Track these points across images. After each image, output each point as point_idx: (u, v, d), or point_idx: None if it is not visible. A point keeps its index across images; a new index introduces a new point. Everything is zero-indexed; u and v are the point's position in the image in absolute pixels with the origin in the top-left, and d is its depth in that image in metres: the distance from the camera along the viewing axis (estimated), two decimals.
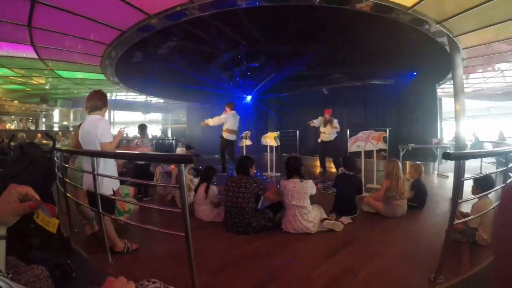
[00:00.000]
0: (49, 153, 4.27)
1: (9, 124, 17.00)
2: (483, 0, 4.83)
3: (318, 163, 10.10)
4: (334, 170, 9.20)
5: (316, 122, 9.16)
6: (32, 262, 1.68)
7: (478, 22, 5.66)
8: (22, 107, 17.99)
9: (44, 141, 11.00)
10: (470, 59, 7.83)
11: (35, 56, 7.85)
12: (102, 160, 3.05)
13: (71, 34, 6.39)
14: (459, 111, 6.21)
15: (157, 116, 26.75)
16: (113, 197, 3.17)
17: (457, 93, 6.28)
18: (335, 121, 8.90)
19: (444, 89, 12.41)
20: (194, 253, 2.33)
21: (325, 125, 8.94)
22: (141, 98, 18.02)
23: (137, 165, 6.46)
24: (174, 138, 17.53)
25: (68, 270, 2.64)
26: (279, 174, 8.75)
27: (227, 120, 8.46)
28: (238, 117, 8.82)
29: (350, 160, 4.87)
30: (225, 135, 8.52)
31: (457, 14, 5.34)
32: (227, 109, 8.60)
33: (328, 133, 8.86)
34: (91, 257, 3.20)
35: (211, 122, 8.64)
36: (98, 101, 3.17)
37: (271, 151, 9.29)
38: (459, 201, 2.74)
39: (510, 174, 3.73)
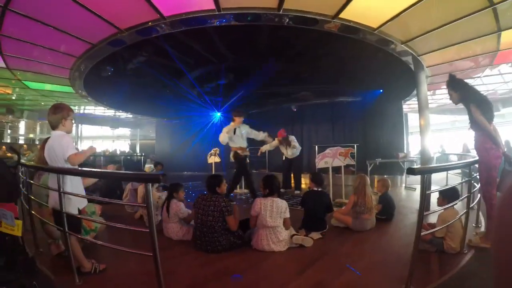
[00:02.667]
0: (14, 168, 4.11)
1: None
2: (444, 22, 5.14)
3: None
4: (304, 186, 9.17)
5: (267, 147, 8.59)
6: None
7: (440, 42, 5.98)
8: None
9: (9, 154, 10.56)
10: (434, 76, 8.20)
11: (3, 65, 7.59)
12: (68, 178, 2.97)
13: (41, 44, 6.24)
14: (424, 126, 6.47)
15: (126, 131, 26.21)
16: (79, 216, 3.08)
17: (422, 108, 6.54)
18: (291, 138, 8.46)
19: (410, 105, 12.91)
20: (163, 272, 2.32)
21: (284, 146, 8.43)
22: (109, 112, 17.67)
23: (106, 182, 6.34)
24: (143, 154, 17.30)
25: None
26: (247, 191, 8.75)
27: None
28: None
29: (318, 177, 4.95)
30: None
31: (421, 35, 5.64)
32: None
33: (290, 154, 8.46)
34: (57, 278, 3.07)
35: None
36: (51, 117, 3.05)
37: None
38: (426, 213, 2.85)
39: (474, 184, 3.91)
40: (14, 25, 5.33)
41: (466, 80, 4.13)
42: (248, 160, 6.89)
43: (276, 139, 8.33)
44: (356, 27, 5.34)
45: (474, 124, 3.73)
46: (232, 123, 6.70)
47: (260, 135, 7.12)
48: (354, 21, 5.22)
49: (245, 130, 6.89)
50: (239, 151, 6.76)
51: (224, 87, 10.89)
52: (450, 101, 4.22)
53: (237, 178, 7.18)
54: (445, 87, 9.98)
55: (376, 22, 5.26)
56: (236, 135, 6.74)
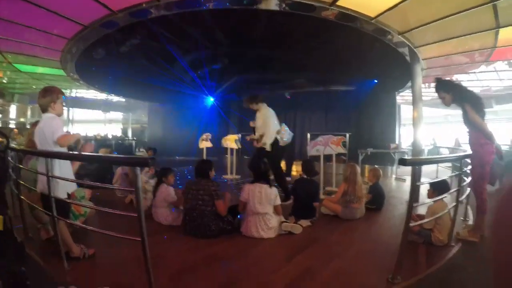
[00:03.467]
0: (2, 152, 4.03)
1: None
2: (443, 15, 5.11)
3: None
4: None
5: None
6: None
7: (438, 35, 5.96)
8: None
9: (0, 139, 10.42)
10: (430, 69, 8.20)
11: None
12: (56, 161, 2.93)
13: (33, 26, 6.12)
14: (416, 118, 6.49)
15: (118, 115, 25.94)
16: (68, 201, 3.05)
17: (416, 101, 6.55)
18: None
19: (404, 97, 12.94)
20: (152, 257, 2.30)
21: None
22: (101, 96, 17.48)
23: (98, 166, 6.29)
24: (134, 138, 17.16)
25: (22, 278, 2.51)
26: (239, 176, 8.74)
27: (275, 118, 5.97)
28: None
29: (308, 164, 4.96)
30: (278, 137, 5.97)
31: (419, 27, 5.61)
32: (259, 104, 5.96)
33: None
34: (46, 263, 3.04)
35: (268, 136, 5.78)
36: (41, 100, 3.02)
37: (232, 154, 9.28)
38: (415, 204, 2.87)
39: (464, 178, 3.94)
40: (4, 6, 5.22)
41: (461, 76, 4.13)
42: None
43: None
44: (353, 16, 5.29)
45: (468, 122, 3.73)
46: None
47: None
48: (352, 9, 5.17)
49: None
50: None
51: (218, 72, 10.80)
52: None
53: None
54: None
55: (374, 11, 5.21)
56: None
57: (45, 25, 6.11)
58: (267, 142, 5.68)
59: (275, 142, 5.83)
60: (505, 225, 0.61)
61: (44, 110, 3.04)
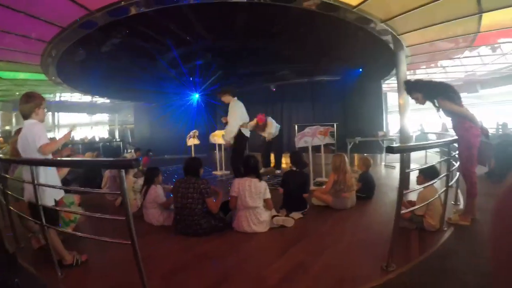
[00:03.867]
0: None
1: None
2: (426, 1, 5.10)
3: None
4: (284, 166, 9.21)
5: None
6: None
7: (421, 21, 5.95)
8: None
9: None
10: (414, 56, 8.24)
11: None
12: (41, 169, 2.88)
13: (10, 31, 5.97)
14: (403, 105, 6.52)
15: (104, 117, 25.64)
16: (56, 208, 3.00)
17: (401, 88, 6.54)
18: (270, 121, 8.30)
19: (390, 84, 13.02)
20: (144, 259, 2.31)
21: (263, 130, 8.31)
22: (86, 98, 17.25)
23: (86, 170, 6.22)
24: (121, 140, 17.03)
25: None
26: (228, 172, 8.72)
27: (243, 110, 6.05)
28: None
29: (297, 155, 4.96)
30: (243, 130, 5.95)
31: (401, 14, 5.58)
32: (229, 97, 6.09)
33: (269, 133, 8.33)
34: (40, 273, 3.01)
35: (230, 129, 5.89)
36: (23, 106, 2.96)
37: (220, 150, 9.24)
38: (405, 191, 2.89)
39: (453, 162, 3.98)
40: None
41: (446, 61, 4.18)
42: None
43: (253, 123, 8.22)
44: (335, 5, 5.23)
45: (448, 112, 3.78)
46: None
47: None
48: None
49: None
50: None
51: (202, 68, 10.73)
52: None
53: None
54: (425, 67, 10.19)
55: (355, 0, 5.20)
56: None
57: (23, 29, 5.96)
58: (229, 135, 5.86)
59: (240, 135, 5.91)
60: (505, 222, 0.60)
61: (26, 116, 2.98)
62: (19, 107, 3.00)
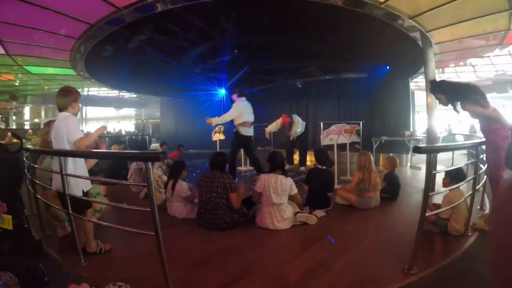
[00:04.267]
0: (16, 153, 4.10)
1: None
2: None
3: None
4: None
5: (271, 129, 8.72)
6: (2, 268, 1.60)
7: (450, 18, 5.80)
8: None
9: (15, 140, 10.62)
10: (443, 54, 8.01)
11: (3, 52, 7.55)
12: (70, 160, 2.96)
13: (40, 28, 6.16)
14: (431, 104, 6.37)
15: (130, 111, 26.18)
16: (83, 198, 3.08)
17: (429, 87, 6.41)
18: (296, 119, 8.42)
19: (417, 83, 12.71)
20: (167, 251, 2.32)
21: (289, 130, 8.44)
22: (113, 93, 17.62)
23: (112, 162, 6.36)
24: (147, 134, 17.31)
25: (40, 275, 2.55)
26: (252, 168, 8.73)
27: (243, 111, 6.33)
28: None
29: (322, 153, 4.90)
30: (241, 129, 6.33)
31: (430, 10, 5.45)
32: (235, 96, 6.50)
33: (295, 131, 8.40)
34: (64, 260, 3.10)
35: (218, 119, 6.51)
36: (60, 99, 3.08)
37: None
38: (431, 193, 2.80)
39: (480, 165, 3.84)
40: (10, 10, 5.26)
41: (475, 60, 4.04)
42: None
43: (279, 122, 8.40)
44: (362, 1, 5.17)
45: (473, 115, 3.64)
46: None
47: None
48: None
49: None
50: None
51: (228, 64, 10.72)
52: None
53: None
54: (453, 65, 9.89)
55: None
56: None
57: (53, 26, 6.15)
58: (214, 122, 6.46)
59: (237, 133, 6.35)
60: (504, 220, 0.58)
61: (61, 109, 3.09)
62: (56, 99, 3.11)
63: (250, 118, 6.37)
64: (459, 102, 3.67)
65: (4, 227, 1.07)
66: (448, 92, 3.77)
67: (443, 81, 3.96)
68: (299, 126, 8.25)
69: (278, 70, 11.93)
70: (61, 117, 3.06)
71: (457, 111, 3.73)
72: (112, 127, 22.22)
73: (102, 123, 23.99)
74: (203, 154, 11.95)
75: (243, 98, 6.37)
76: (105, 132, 3.75)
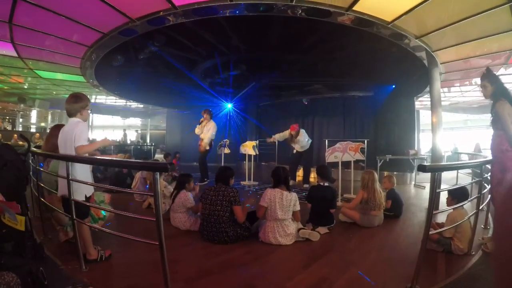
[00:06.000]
0: (24, 155, 4.13)
1: None
2: (460, 17, 5.02)
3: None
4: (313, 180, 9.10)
5: (277, 137, 8.75)
6: (3, 268, 1.61)
7: (456, 38, 5.86)
8: None
9: (20, 142, 10.71)
10: (448, 73, 8.06)
11: (15, 54, 7.65)
12: (77, 165, 2.99)
13: (53, 34, 6.27)
14: (435, 124, 6.36)
15: (136, 121, 26.34)
16: (87, 204, 3.10)
17: (434, 106, 6.43)
18: (301, 132, 8.34)
19: (422, 102, 12.75)
20: (169, 261, 2.32)
21: (294, 142, 8.40)
22: (120, 102, 17.77)
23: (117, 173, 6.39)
24: (153, 144, 17.36)
25: (40, 278, 2.56)
26: (256, 183, 8.74)
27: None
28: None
29: (325, 169, 4.90)
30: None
31: (436, 30, 5.52)
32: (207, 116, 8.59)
33: (300, 146, 8.36)
34: (64, 264, 3.10)
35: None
36: (70, 105, 3.11)
37: (250, 160, 9.27)
38: (435, 212, 2.80)
39: (485, 184, 3.83)
40: (25, 14, 5.36)
41: (476, 81, 4.01)
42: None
43: (287, 133, 8.32)
44: (370, 20, 5.25)
45: (495, 121, 3.59)
46: None
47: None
48: (368, 14, 5.14)
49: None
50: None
51: (236, 79, 10.84)
52: (463, 100, 4.11)
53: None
54: (458, 84, 9.91)
55: (391, 15, 5.16)
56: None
57: (65, 33, 6.26)
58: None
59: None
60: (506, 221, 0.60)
61: (71, 115, 3.14)
62: (65, 105, 3.14)
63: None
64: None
65: (15, 228, 1.09)
66: (497, 84, 3.71)
67: (497, 75, 3.92)
68: (304, 138, 8.25)
69: (285, 86, 12.04)
70: (71, 122, 3.10)
71: (492, 114, 3.63)
72: (118, 136, 22.31)
73: (107, 131, 24.13)
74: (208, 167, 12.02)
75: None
76: (108, 144, 3.78)
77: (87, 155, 3.09)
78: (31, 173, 4.14)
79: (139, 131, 24.94)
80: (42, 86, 12.66)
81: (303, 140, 8.18)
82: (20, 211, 1.05)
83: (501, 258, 0.62)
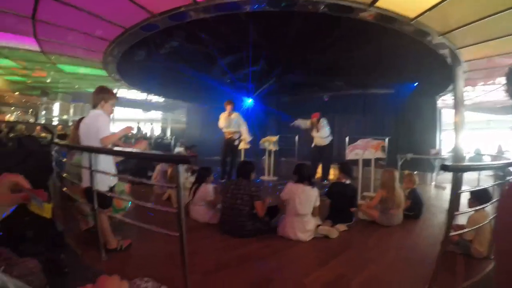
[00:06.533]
0: (47, 147, 4.25)
1: (9, 116, 16.89)
2: (485, 15, 4.87)
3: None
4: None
5: (300, 121, 8.71)
6: (24, 255, 1.65)
7: (480, 36, 5.68)
8: (22, 99, 17.83)
9: (43, 134, 10.97)
10: (471, 72, 7.85)
11: (38, 49, 7.81)
12: (101, 157, 3.05)
13: (75, 29, 6.37)
14: (458, 123, 6.23)
15: (157, 114, 26.62)
16: (109, 194, 3.16)
17: (457, 105, 6.29)
18: (322, 120, 8.35)
19: (445, 101, 12.45)
20: (187, 254, 2.33)
21: (317, 129, 8.34)
22: (142, 96, 17.96)
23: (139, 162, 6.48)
24: (173, 137, 17.49)
25: (60, 265, 2.63)
26: (276, 178, 8.71)
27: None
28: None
29: (347, 166, 4.86)
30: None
31: (460, 27, 5.37)
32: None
33: (321, 137, 8.31)
34: (84, 253, 3.18)
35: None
36: (95, 97, 3.19)
37: (270, 155, 9.24)
38: (456, 213, 2.74)
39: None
40: (48, 10, 5.43)
41: (504, 78, 3.87)
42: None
43: (309, 122, 8.35)
44: (392, 17, 5.15)
45: None
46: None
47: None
48: (391, 10, 5.04)
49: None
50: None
51: (256, 74, 10.79)
52: (486, 100, 4.00)
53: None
54: (483, 83, 9.65)
55: (414, 12, 5.05)
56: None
57: (88, 28, 6.34)
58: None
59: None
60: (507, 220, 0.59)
61: (95, 105, 3.20)
62: (92, 95, 3.24)
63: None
64: None
65: (42, 214, 1.11)
66: None
67: None
68: (325, 130, 8.19)
69: (306, 82, 11.93)
70: (92, 115, 3.17)
71: None
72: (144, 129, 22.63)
73: (129, 124, 24.40)
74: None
75: None
76: (130, 133, 3.84)
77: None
78: (53, 163, 4.26)
79: (152, 124, 25.06)
80: (65, 80, 12.90)
81: (324, 129, 8.10)
82: (48, 199, 1.08)
83: (502, 258, 0.60)
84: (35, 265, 1.54)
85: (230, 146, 7.99)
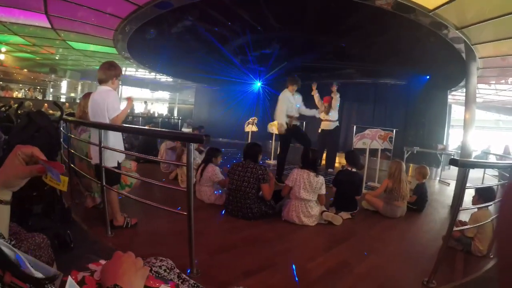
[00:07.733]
0: (57, 122, 4.24)
1: (17, 92, 16.95)
2: (503, 12, 4.76)
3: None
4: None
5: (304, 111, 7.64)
6: (32, 230, 1.66)
7: (497, 33, 5.57)
8: (31, 76, 17.87)
9: (51, 111, 11.02)
10: (485, 69, 7.73)
11: (48, 25, 7.78)
12: (110, 133, 3.05)
13: (87, 5, 6.30)
14: (468, 120, 6.14)
15: (165, 94, 26.59)
16: (117, 171, 3.17)
17: (469, 102, 6.19)
18: (337, 95, 8.31)
19: (455, 96, 12.31)
20: (194, 233, 2.35)
21: (326, 112, 8.25)
22: (150, 75, 17.92)
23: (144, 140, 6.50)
24: (180, 118, 17.50)
25: (67, 240, 2.66)
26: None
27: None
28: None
29: (354, 155, 4.84)
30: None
31: (478, 23, 5.26)
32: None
33: (329, 119, 8.22)
34: (90, 229, 3.22)
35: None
36: (102, 74, 3.13)
37: (276, 139, 9.20)
38: (460, 209, 2.74)
39: None
40: None
41: None
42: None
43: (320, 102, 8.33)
44: (410, 6, 5.04)
45: None
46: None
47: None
48: (409, 0, 4.94)
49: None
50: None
51: (268, 57, 10.67)
52: (497, 99, 3.95)
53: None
54: (494, 82, 9.51)
55: (433, 3, 4.94)
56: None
57: (99, 4, 6.29)
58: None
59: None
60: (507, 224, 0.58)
61: (102, 82, 3.15)
62: (98, 72, 3.17)
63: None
64: None
65: (58, 187, 1.10)
66: None
67: None
68: (335, 110, 8.16)
69: (317, 68, 11.79)
70: (101, 91, 3.13)
71: None
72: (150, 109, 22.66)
73: (137, 104, 24.41)
74: (233, 144, 12.05)
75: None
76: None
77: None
78: (61, 139, 4.26)
79: (151, 103, 24.98)
80: (73, 57, 12.90)
81: (336, 110, 8.21)
82: (65, 171, 1.06)
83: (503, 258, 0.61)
84: (43, 240, 1.55)
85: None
